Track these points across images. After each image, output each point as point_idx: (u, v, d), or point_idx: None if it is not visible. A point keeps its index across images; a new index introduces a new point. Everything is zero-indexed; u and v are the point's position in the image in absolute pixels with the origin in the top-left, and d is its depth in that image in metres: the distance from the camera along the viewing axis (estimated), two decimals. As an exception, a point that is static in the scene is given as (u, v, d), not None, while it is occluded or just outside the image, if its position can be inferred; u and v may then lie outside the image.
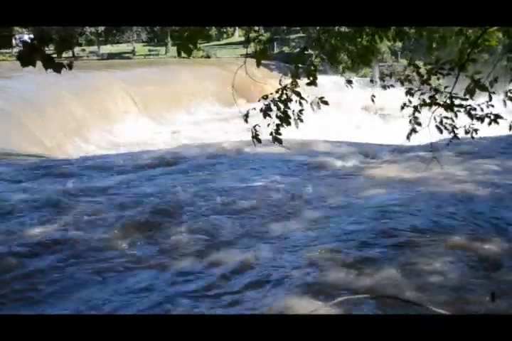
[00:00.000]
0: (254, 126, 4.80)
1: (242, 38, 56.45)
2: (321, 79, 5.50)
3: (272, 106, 4.93)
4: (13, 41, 38.12)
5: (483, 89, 5.27)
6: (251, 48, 5.52)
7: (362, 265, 5.77)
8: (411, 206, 7.81)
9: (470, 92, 5.29)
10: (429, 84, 5.57)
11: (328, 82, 28.50)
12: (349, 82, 5.64)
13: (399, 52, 39.83)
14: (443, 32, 5.97)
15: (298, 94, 4.99)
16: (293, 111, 4.97)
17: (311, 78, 5.08)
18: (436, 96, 5.54)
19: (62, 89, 23.17)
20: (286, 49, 48.38)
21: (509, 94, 5.53)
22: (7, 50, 48.90)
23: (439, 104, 5.46)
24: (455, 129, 5.54)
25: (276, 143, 4.98)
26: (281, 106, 4.94)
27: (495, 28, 5.36)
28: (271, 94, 5.02)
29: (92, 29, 55.73)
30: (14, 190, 9.13)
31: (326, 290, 5.17)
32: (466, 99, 5.29)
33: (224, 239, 6.81)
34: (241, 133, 15.94)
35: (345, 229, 7.00)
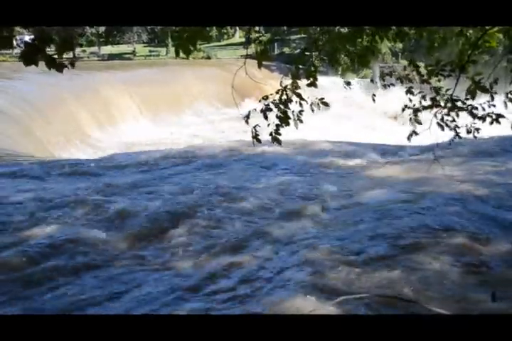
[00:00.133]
0: (255, 127, 4.81)
1: (243, 39, 56.49)
2: (321, 80, 5.52)
3: (273, 106, 4.93)
4: (14, 42, 38.07)
5: (484, 90, 5.29)
6: (251, 49, 5.53)
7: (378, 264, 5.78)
8: (412, 206, 7.82)
9: (471, 94, 5.30)
10: (429, 83, 5.58)
11: (329, 83, 28.52)
12: (347, 83, 5.65)
13: (399, 54, 39.87)
14: (443, 33, 5.98)
15: (298, 95, 5.00)
16: (292, 111, 4.97)
17: (312, 79, 5.09)
18: (438, 97, 5.55)
19: (63, 90, 23.19)
20: (286, 50, 48.43)
21: (510, 95, 5.53)
22: (7, 51, 48.94)
23: (440, 107, 5.47)
24: (457, 128, 5.54)
25: (275, 143, 4.99)
26: (282, 106, 4.95)
27: (495, 29, 5.36)
28: (271, 94, 5.02)
29: (93, 30, 55.82)
30: (41, 189, 9.16)
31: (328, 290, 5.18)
32: (468, 100, 5.31)
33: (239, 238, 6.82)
34: (242, 134, 15.93)
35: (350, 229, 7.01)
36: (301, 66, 5.30)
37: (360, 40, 5.38)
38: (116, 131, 24.13)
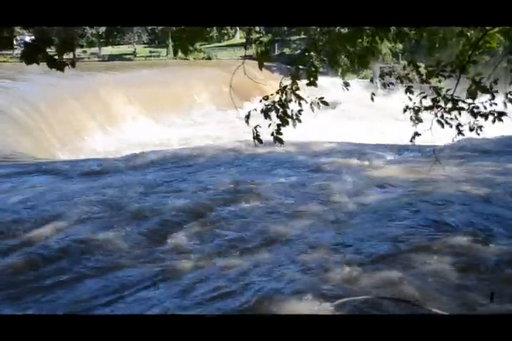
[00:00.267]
0: (255, 127, 4.81)
1: (244, 40, 56.53)
2: (322, 80, 5.54)
3: (274, 106, 4.94)
4: (14, 42, 38.18)
5: (485, 90, 5.29)
6: (252, 50, 5.54)
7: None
8: (412, 206, 7.83)
9: (471, 94, 5.31)
10: (429, 83, 5.59)
11: (329, 84, 28.53)
12: (346, 84, 5.65)
13: (400, 54, 39.90)
14: (443, 33, 5.99)
15: (298, 96, 5.01)
16: (291, 110, 4.99)
17: (311, 79, 5.10)
18: (438, 98, 5.56)
19: (63, 91, 23.21)
20: (287, 51, 48.47)
21: (509, 95, 5.54)
22: (8, 52, 49.04)
23: (441, 107, 5.48)
24: (460, 127, 5.55)
25: (277, 143, 5.00)
26: (283, 106, 4.96)
27: (496, 29, 5.37)
28: (271, 94, 5.03)
29: (93, 30, 55.93)
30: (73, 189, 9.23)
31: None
32: (468, 99, 5.31)
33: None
34: (244, 134, 15.96)
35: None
36: (301, 67, 5.30)
37: (360, 40, 5.39)
38: (116, 131, 24.14)
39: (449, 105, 5.42)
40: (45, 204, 8.27)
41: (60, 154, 18.52)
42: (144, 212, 7.76)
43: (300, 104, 4.99)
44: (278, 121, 4.97)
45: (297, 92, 5.02)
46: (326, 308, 4.73)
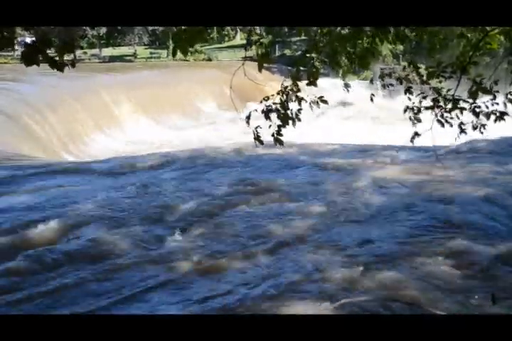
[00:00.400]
0: (256, 128, 4.81)
1: (244, 41, 56.53)
2: (322, 82, 5.53)
3: (275, 107, 4.94)
4: (15, 43, 38.19)
5: (486, 91, 5.29)
6: (252, 51, 5.54)
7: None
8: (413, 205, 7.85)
9: (472, 95, 5.31)
10: (429, 84, 5.59)
11: (330, 85, 28.50)
12: (347, 85, 5.65)
13: (400, 55, 39.86)
14: (444, 34, 5.98)
15: (298, 97, 5.01)
16: (291, 110, 4.99)
17: (311, 79, 5.09)
18: (439, 98, 5.56)
19: (64, 92, 23.22)
20: (287, 52, 48.44)
21: (509, 96, 5.54)
22: (9, 53, 49.08)
23: (442, 107, 5.48)
24: (462, 125, 5.54)
25: (277, 144, 5.00)
26: (283, 107, 4.96)
27: (496, 30, 5.37)
28: (272, 95, 5.03)
29: (94, 32, 55.93)
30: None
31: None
32: (469, 102, 5.31)
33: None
34: (244, 135, 15.97)
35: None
36: (302, 68, 5.30)
37: (360, 41, 5.38)
38: (117, 132, 24.13)
39: (450, 105, 5.42)
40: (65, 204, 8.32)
41: (62, 155, 18.52)
42: (164, 211, 7.84)
43: (300, 103, 4.99)
44: (278, 122, 4.97)
45: (298, 93, 5.02)
46: (326, 308, 4.74)
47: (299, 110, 4.96)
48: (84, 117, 22.97)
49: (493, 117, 5.36)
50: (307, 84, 5.08)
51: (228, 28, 53.31)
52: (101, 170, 11.25)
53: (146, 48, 59.27)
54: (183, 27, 4.27)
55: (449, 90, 5.55)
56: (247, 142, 12.48)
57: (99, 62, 50.41)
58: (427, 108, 5.58)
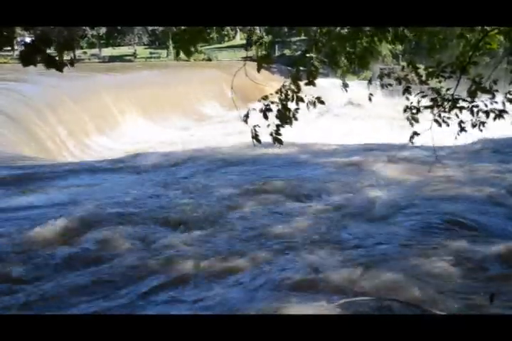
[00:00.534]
0: (254, 127, 4.82)
1: (244, 41, 56.65)
2: (322, 81, 5.55)
3: (274, 106, 4.94)
4: (15, 43, 38.22)
5: (485, 91, 5.30)
6: (252, 51, 5.55)
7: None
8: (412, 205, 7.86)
9: (472, 94, 5.32)
10: (428, 84, 5.60)
11: (329, 85, 28.51)
12: (345, 85, 5.65)
13: (400, 56, 39.90)
14: (443, 34, 5.99)
15: (298, 98, 5.01)
16: (290, 110, 5.00)
17: (310, 79, 5.10)
18: (438, 98, 5.57)
19: (63, 92, 23.21)
20: (287, 52, 48.47)
21: (508, 95, 5.55)
22: (9, 53, 49.14)
23: (441, 107, 5.48)
24: (462, 124, 5.55)
25: (276, 143, 5.00)
26: (283, 107, 4.96)
27: (496, 30, 5.37)
28: (270, 94, 5.03)
29: (94, 32, 56.01)
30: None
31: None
32: (468, 101, 5.33)
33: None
34: (246, 135, 15.96)
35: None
36: (302, 68, 5.30)
37: (359, 41, 5.39)
38: (117, 133, 24.12)
39: (450, 104, 5.43)
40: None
41: (62, 155, 18.52)
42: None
43: (298, 103, 4.99)
44: (277, 122, 4.97)
45: (299, 93, 5.03)
46: (326, 308, 4.74)
47: (297, 109, 4.96)
48: (84, 117, 22.97)
49: (492, 115, 5.38)
50: (306, 84, 5.08)
51: (228, 28, 53.36)
52: (101, 170, 11.26)
53: (145, 48, 59.36)
54: (182, 27, 4.28)
55: (448, 90, 5.55)
56: (248, 142, 12.50)
57: (99, 62, 50.49)
58: (426, 107, 5.59)
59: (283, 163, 11.39)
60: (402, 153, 12.10)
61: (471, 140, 10.83)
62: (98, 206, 8.06)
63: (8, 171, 11.05)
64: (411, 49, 30.55)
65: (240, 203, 8.32)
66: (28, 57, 3.11)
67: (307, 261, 5.93)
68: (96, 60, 53.21)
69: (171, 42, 50.04)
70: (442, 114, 5.46)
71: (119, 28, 53.36)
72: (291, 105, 5.01)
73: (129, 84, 28.58)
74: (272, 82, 22.89)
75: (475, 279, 5.48)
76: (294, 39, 49.99)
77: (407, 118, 5.68)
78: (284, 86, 5.05)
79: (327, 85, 26.14)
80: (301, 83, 5.11)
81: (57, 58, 3.24)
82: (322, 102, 4.97)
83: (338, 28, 5.39)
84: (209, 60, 49.60)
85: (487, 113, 5.40)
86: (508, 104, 5.50)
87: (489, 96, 5.41)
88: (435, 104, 5.52)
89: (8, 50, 48.88)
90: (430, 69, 5.56)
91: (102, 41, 58.35)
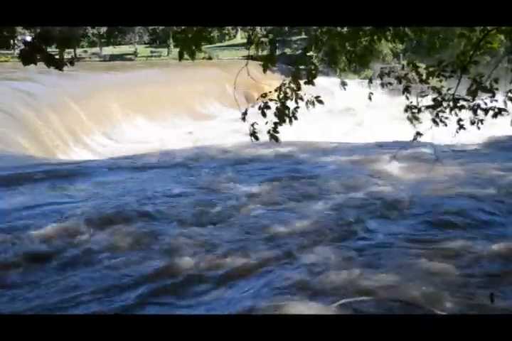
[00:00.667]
0: (253, 124, 4.83)
1: (245, 40, 56.58)
2: (323, 80, 5.55)
3: (273, 104, 4.95)
4: (15, 42, 38.22)
5: (486, 90, 5.30)
6: (253, 50, 5.55)
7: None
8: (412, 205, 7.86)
9: (472, 93, 5.32)
10: (428, 83, 5.59)
11: (330, 84, 28.50)
12: (343, 83, 5.65)
13: (401, 55, 39.85)
14: (444, 34, 5.99)
15: (298, 96, 5.01)
16: (288, 109, 5.00)
17: (310, 78, 5.10)
18: (439, 98, 5.56)
19: (64, 91, 23.20)
20: (288, 51, 48.40)
21: (509, 94, 5.55)
22: (9, 51, 49.12)
23: (442, 106, 5.48)
24: (460, 121, 5.55)
25: (272, 140, 5.01)
26: (282, 105, 4.96)
27: (495, 31, 5.37)
28: (269, 92, 5.03)
29: (95, 31, 55.95)
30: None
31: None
32: (468, 100, 5.32)
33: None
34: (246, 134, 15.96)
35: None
36: (302, 67, 5.30)
37: (359, 40, 5.39)
38: (117, 131, 24.09)
39: (451, 104, 5.43)
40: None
41: (63, 154, 18.51)
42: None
43: (297, 101, 4.99)
44: (275, 119, 4.98)
45: (299, 92, 5.03)
46: (327, 309, 4.74)
47: (296, 108, 4.97)
48: (84, 116, 22.95)
49: (491, 113, 5.39)
50: (305, 83, 5.08)
51: (229, 26, 53.35)
52: (101, 169, 11.25)
53: (146, 47, 59.31)
54: (183, 28, 4.28)
55: (449, 89, 5.55)
56: (248, 141, 12.48)
57: (100, 61, 50.46)
58: (427, 107, 5.59)
59: (281, 163, 11.40)
60: (404, 151, 12.12)
61: (473, 138, 10.84)
62: (137, 201, 8.29)
63: (8, 171, 11.05)
64: (412, 48, 30.54)
65: (255, 201, 8.40)
66: (29, 55, 3.11)
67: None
68: (97, 58, 53.17)
69: (171, 41, 50.01)
70: (440, 114, 5.47)
71: (119, 27, 53.35)
72: (291, 104, 5.01)
73: (130, 82, 28.53)
74: (272, 81, 22.81)
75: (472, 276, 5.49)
76: (294, 38, 49.95)
77: (408, 118, 5.68)
78: (283, 84, 5.05)
79: (327, 84, 26.13)
80: (301, 82, 5.11)
81: (57, 57, 3.24)
82: (321, 102, 4.97)
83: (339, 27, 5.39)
84: (210, 58, 49.51)
85: (486, 111, 5.40)
86: (509, 103, 5.51)
87: (489, 95, 5.41)
88: (436, 103, 5.51)
89: (9, 49, 48.86)
90: (431, 69, 5.56)
91: (102, 40, 58.30)
